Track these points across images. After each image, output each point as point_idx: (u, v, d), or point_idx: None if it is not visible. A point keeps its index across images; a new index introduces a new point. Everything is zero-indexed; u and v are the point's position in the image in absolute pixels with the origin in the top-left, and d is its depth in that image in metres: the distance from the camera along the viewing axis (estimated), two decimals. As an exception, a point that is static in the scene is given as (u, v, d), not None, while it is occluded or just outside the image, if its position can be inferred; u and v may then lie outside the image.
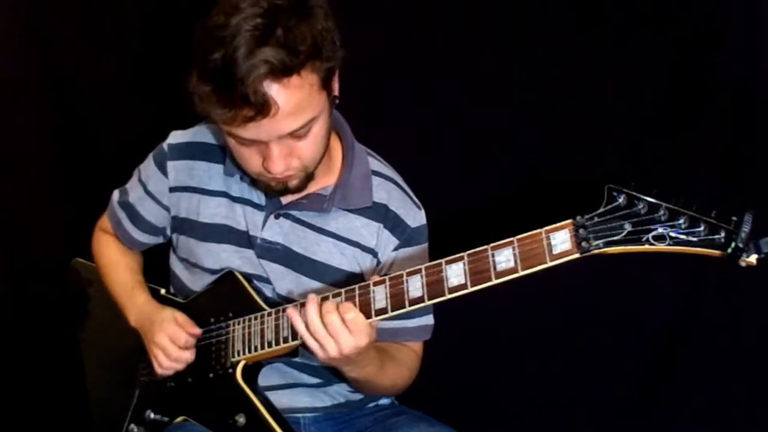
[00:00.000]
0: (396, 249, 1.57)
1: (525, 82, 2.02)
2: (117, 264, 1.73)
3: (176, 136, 1.62)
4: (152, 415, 1.59)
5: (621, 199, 1.15)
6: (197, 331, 1.54)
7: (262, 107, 1.24)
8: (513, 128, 2.02)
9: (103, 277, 1.74)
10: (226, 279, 1.55)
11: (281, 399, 1.56)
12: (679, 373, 1.98)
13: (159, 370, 1.55)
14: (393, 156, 1.67)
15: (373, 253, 1.56)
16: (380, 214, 1.56)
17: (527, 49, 2.00)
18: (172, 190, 1.61)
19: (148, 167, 1.65)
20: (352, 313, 1.30)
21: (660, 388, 2.00)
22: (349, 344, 1.30)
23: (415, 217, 1.59)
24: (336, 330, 1.30)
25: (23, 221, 2.33)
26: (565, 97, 1.99)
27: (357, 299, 1.33)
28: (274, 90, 1.25)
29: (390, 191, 1.59)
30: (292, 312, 1.35)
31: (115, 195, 1.73)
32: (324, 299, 1.35)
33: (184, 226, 1.61)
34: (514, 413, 2.14)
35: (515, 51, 2.01)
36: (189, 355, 1.53)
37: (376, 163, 1.62)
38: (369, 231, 1.55)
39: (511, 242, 1.21)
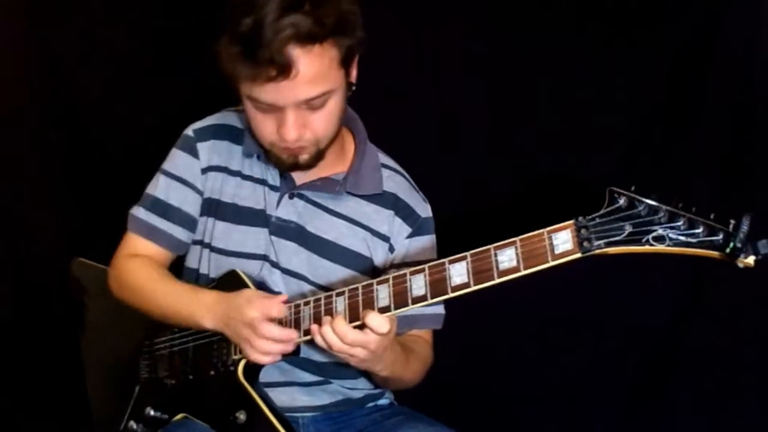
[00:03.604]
0: (409, 237, 1.62)
1: (525, 82, 2.02)
2: (159, 278, 1.59)
3: (197, 123, 1.64)
4: (152, 412, 1.59)
5: (622, 201, 1.16)
6: (284, 296, 1.47)
7: (284, 68, 1.30)
8: (513, 129, 2.03)
9: (145, 295, 1.59)
10: (230, 278, 1.55)
11: (280, 397, 1.56)
12: (680, 372, 1.98)
13: (261, 359, 1.42)
14: (394, 156, 1.69)
15: (386, 239, 1.60)
16: (391, 202, 1.62)
17: (528, 49, 2.00)
18: (204, 170, 1.61)
19: (174, 156, 1.63)
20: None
21: (660, 387, 2.01)
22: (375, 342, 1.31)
23: (424, 208, 1.66)
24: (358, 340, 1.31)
25: (24, 220, 2.32)
26: (565, 97, 2.00)
27: (360, 297, 1.35)
28: (297, 53, 1.31)
29: (399, 183, 1.65)
30: (315, 330, 1.34)
31: (135, 209, 1.64)
32: (327, 310, 1.37)
33: (209, 206, 1.62)
34: (514, 413, 2.14)
35: (516, 51, 2.01)
36: (292, 333, 1.41)
37: (385, 158, 1.68)
38: (381, 217, 1.60)
39: (514, 242, 1.22)
